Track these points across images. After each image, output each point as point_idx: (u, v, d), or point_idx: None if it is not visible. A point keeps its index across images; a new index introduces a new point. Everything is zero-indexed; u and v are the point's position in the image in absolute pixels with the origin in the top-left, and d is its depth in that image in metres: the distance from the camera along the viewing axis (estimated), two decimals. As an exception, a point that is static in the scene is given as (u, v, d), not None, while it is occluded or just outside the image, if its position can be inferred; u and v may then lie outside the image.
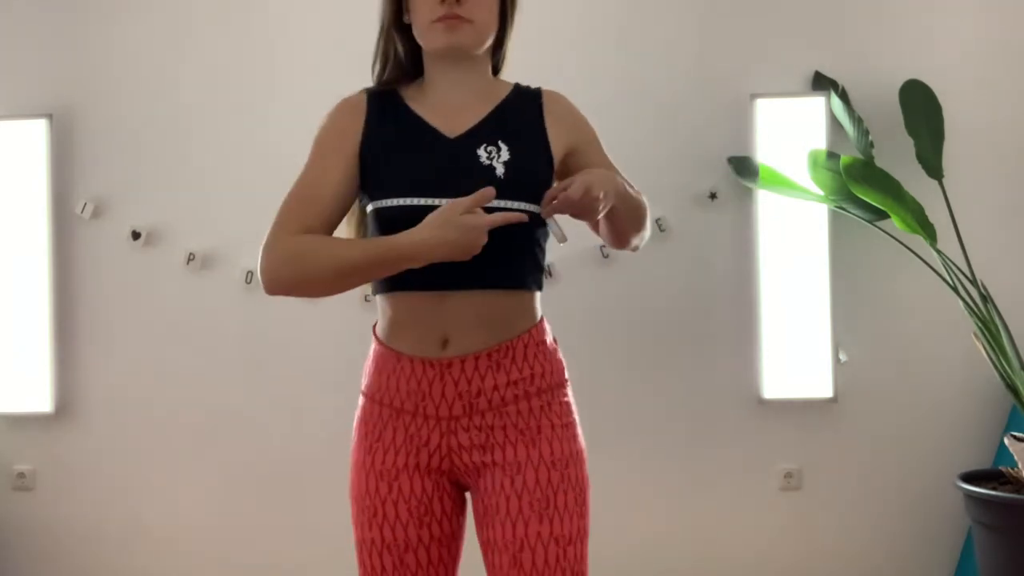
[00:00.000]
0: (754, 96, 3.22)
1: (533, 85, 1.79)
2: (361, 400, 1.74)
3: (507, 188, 1.61)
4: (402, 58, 1.75)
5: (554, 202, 1.60)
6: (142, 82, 3.36)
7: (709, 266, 3.28)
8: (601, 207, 1.60)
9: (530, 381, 1.67)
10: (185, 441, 3.35)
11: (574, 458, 1.67)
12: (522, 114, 1.72)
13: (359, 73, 3.37)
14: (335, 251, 1.61)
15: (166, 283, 3.35)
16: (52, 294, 3.32)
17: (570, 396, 1.73)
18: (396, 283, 1.66)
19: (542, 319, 1.73)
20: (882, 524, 3.30)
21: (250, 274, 3.29)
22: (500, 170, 1.64)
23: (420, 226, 1.56)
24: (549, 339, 1.73)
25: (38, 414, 3.33)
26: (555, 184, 1.69)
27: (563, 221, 1.67)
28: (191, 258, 3.32)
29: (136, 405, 3.36)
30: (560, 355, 1.74)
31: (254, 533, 3.35)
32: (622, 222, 1.71)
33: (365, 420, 1.71)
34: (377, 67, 1.77)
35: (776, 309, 3.23)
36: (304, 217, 1.64)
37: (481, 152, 1.65)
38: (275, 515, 3.35)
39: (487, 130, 1.68)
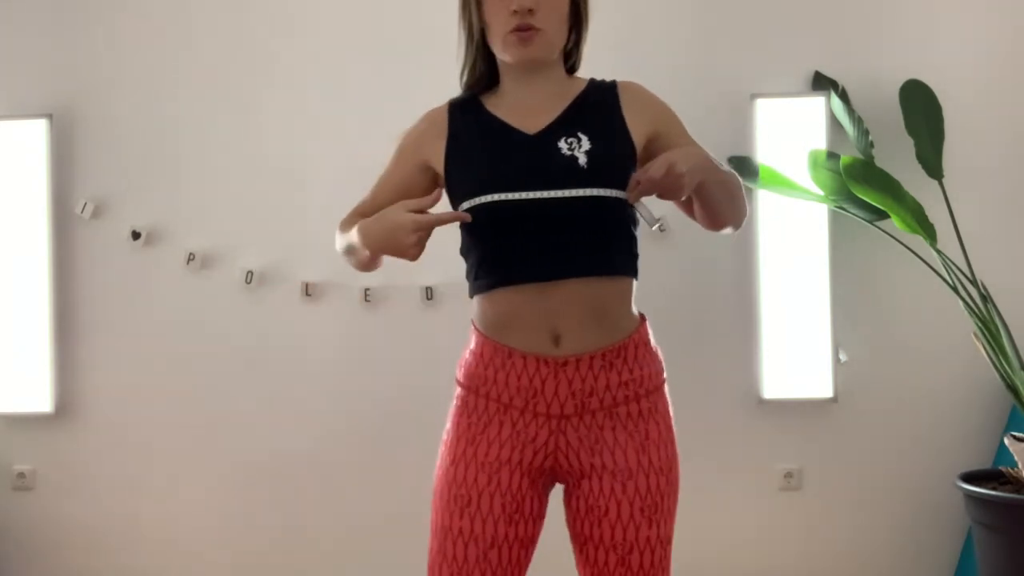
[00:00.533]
0: (754, 96, 3.22)
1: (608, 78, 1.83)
2: (459, 391, 1.76)
3: (591, 177, 1.65)
4: (483, 66, 1.79)
5: (639, 186, 1.62)
6: (142, 82, 3.36)
7: (709, 266, 3.28)
8: (686, 183, 1.61)
9: (639, 383, 1.71)
10: (185, 441, 3.35)
11: (675, 460, 1.74)
12: (599, 106, 1.76)
13: (359, 73, 3.38)
14: (342, 232, 1.78)
15: (166, 283, 3.34)
16: (52, 294, 3.32)
17: (667, 393, 1.77)
18: (495, 282, 1.69)
19: (644, 318, 1.77)
20: (882, 524, 3.30)
21: (250, 274, 3.29)
22: (583, 160, 1.67)
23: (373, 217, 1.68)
24: (652, 339, 1.77)
25: (38, 414, 3.33)
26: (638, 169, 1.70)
27: (652, 205, 1.68)
28: (191, 258, 3.32)
29: (136, 405, 3.36)
30: (660, 354, 1.78)
31: (254, 533, 3.35)
32: (713, 199, 1.73)
33: (468, 412, 1.73)
34: (465, 76, 1.81)
35: (776, 309, 3.23)
36: (362, 214, 1.78)
37: (562, 144, 1.68)
38: (275, 515, 3.34)
39: (566, 124, 1.71)
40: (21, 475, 3.38)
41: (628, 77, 3.34)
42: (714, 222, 1.79)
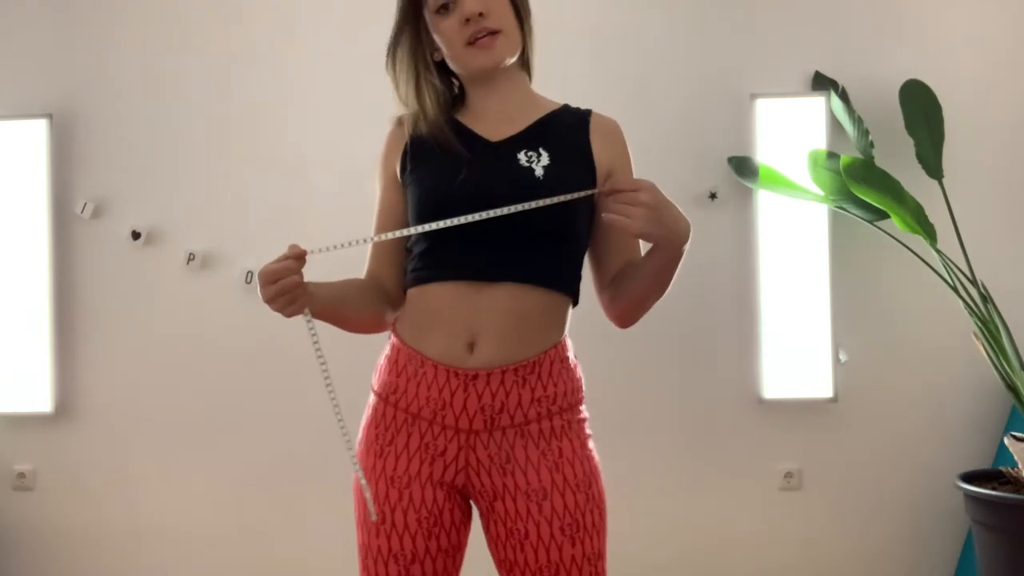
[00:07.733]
0: (754, 96, 3.22)
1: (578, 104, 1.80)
2: (373, 400, 1.72)
3: (545, 191, 1.61)
4: (442, 93, 1.74)
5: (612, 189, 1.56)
6: (142, 82, 3.36)
7: (709, 266, 3.28)
8: (647, 216, 1.54)
9: (552, 400, 1.66)
10: (185, 441, 3.35)
11: (594, 475, 1.67)
12: (568, 128, 1.73)
13: (360, 73, 3.38)
14: None
15: (166, 283, 3.34)
16: (52, 294, 3.32)
17: (585, 412, 1.72)
18: (434, 275, 1.65)
19: (565, 335, 1.72)
20: (882, 524, 3.31)
21: (250, 274, 3.29)
22: (539, 172, 1.64)
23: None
24: (571, 355, 1.72)
25: (38, 414, 3.33)
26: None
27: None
28: (191, 258, 3.32)
29: (136, 405, 3.36)
30: (579, 371, 1.73)
31: (254, 533, 3.35)
32: (653, 277, 1.66)
33: (377, 422, 1.69)
34: (430, 112, 1.72)
35: (776, 309, 3.23)
36: (372, 266, 1.78)
37: (521, 156, 1.66)
38: (275, 515, 3.34)
39: (529, 137, 1.69)
40: (21, 475, 3.38)
41: (628, 77, 3.37)
42: (632, 307, 1.71)
